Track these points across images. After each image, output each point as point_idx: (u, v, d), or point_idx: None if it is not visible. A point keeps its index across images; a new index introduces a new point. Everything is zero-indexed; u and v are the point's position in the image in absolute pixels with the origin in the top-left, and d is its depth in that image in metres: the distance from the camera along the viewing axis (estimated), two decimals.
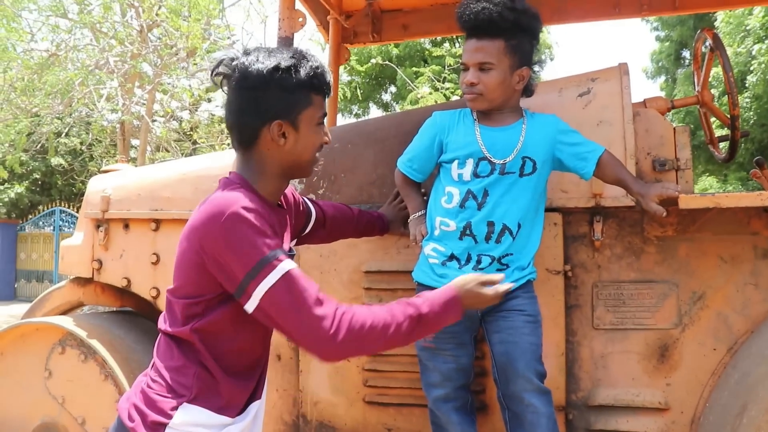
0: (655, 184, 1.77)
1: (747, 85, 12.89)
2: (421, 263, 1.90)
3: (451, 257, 1.81)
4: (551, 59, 15.55)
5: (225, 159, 2.56)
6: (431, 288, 1.83)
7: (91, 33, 9.05)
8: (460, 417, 1.83)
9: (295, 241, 1.84)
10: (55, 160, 14.60)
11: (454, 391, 1.83)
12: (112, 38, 9.12)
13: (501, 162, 1.78)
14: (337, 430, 2.23)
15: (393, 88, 17.84)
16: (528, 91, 1.88)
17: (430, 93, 10.43)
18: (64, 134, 12.30)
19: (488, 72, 1.77)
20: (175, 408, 1.30)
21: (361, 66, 14.00)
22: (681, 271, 1.98)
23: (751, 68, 12.54)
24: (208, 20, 9.01)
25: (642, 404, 1.96)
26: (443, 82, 11.24)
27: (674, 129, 2.02)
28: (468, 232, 1.78)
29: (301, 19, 2.48)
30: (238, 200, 1.29)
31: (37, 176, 16.75)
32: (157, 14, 8.57)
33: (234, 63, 1.40)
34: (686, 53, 18.86)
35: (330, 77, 1.49)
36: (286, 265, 1.27)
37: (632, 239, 2.02)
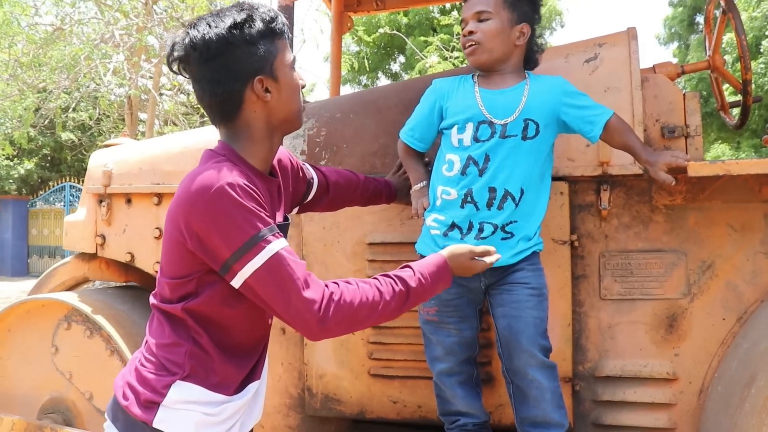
0: (664, 152, 1.72)
1: (762, 50, 12.62)
2: (424, 235, 1.87)
3: (453, 226, 1.77)
4: (561, 26, 15.24)
5: None
6: None
7: (95, 6, 8.95)
8: (464, 390, 1.82)
9: (296, 209, 1.80)
10: (64, 136, 14.61)
11: (458, 365, 1.81)
12: (116, 11, 9.03)
13: (502, 123, 1.73)
14: (343, 402, 2.22)
15: (402, 58, 17.65)
16: (532, 60, 1.83)
17: (439, 62, 10.28)
18: (71, 109, 12.27)
19: (486, 22, 1.75)
20: (168, 386, 1.27)
21: (369, 36, 13.81)
22: (690, 240, 1.94)
23: (766, 33, 12.25)
24: None
25: (650, 375, 1.94)
26: (452, 51, 11.06)
27: (684, 95, 1.96)
28: (469, 199, 1.74)
29: None
30: (224, 175, 1.24)
31: (47, 152, 16.81)
32: None
33: (187, 40, 1.32)
34: (700, 18, 18.43)
35: (283, 18, 1.43)
36: (274, 245, 1.23)
37: (640, 208, 1.98)
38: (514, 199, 1.73)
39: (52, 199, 15.55)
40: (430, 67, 10.31)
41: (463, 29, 1.80)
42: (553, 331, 1.97)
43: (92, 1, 8.65)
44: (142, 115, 12.96)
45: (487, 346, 2.02)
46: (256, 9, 1.36)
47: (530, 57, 1.83)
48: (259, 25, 1.34)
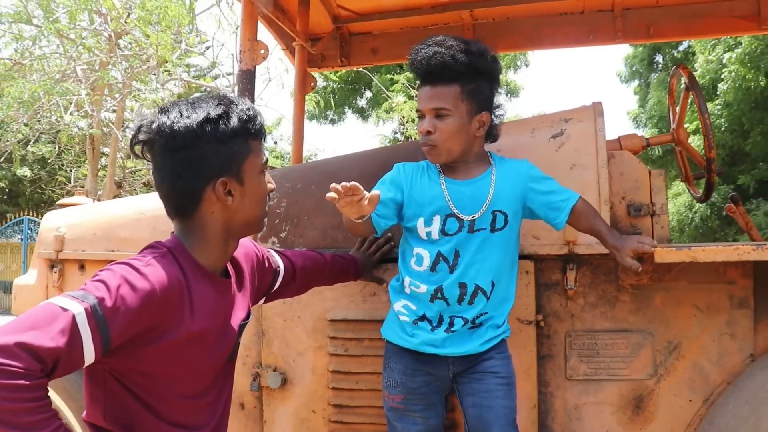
0: (631, 237, 1.70)
1: (718, 92, 13.02)
2: (390, 320, 1.80)
3: (423, 318, 1.72)
4: (526, 65, 15.55)
5: None
6: (401, 348, 1.75)
7: (57, 40, 8.81)
8: None
9: (263, 300, 1.72)
10: (22, 171, 14.24)
11: None
12: (79, 46, 8.89)
13: (469, 219, 1.69)
14: None
15: (369, 94, 17.75)
16: (491, 136, 1.79)
17: (405, 102, 10.34)
18: (30, 143, 11.98)
19: (444, 119, 1.67)
20: None
21: (334, 73, 13.89)
22: (656, 320, 1.92)
23: (722, 76, 12.66)
24: (178, 29, 8.83)
25: None
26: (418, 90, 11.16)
27: (650, 172, 1.96)
28: (439, 295, 1.69)
29: (263, 51, 2.37)
30: (150, 262, 1.19)
31: (4, 185, 16.36)
32: (126, 22, 8.35)
33: (155, 125, 1.26)
34: (659, 57, 19.03)
35: (262, 119, 1.36)
36: (77, 309, 1.05)
37: (606, 287, 1.95)
38: (485, 293, 1.69)
39: (9, 232, 15.10)
40: (396, 105, 10.37)
41: (418, 122, 1.73)
42: (518, 413, 1.91)
43: (54, 35, 8.48)
44: (105, 149, 12.74)
45: (453, 427, 1.96)
46: (235, 105, 1.30)
47: (490, 136, 1.79)
48: (234, 122, 1.27)
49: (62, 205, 2.76)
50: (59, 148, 11.97)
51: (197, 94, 1.41)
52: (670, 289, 1.91)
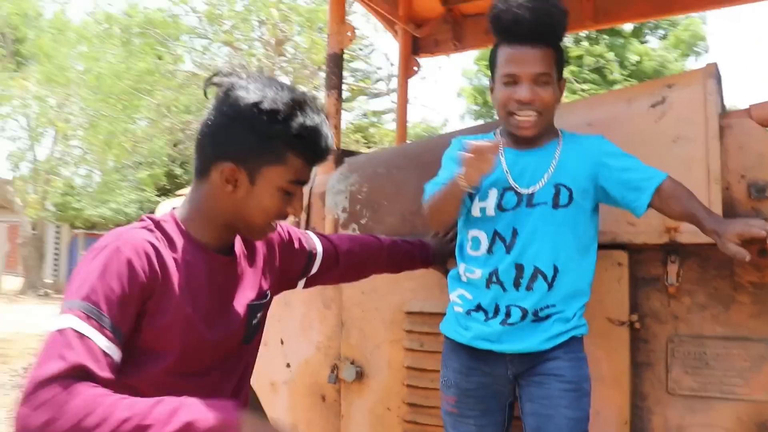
0: (736, 220, 1.38)
1: None
2: (448, 313, 1.64)
3: (478, 308, 1.54)
4: (705, 51, 13.96)
5: None
6: (456, 343, 1.58)
7: (226, 49, 9.60)
8: None
9: (303, 282, 1.63)
10: None
11: None
12: (244, 55, 9.58)
13: (529, 191, 1.48)
14: None
15: None
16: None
17: (566, 96, 9.83)
18: None
19: (545, 86, 1.47)
20: None
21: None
22: None
23: None
24: None
25: None
26: (582, 83, 10.55)
27: None
28: (495, 279, 1.50)
29: (349, 33, 2.31)
30: (120, 239, 1.14)
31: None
32: (282, 31, 8.86)
33: (224, 79, 1.23)
34: None
35: (328, 143, 1.24)
36: (70, 321, 1.03)
37: (719, 285, 1.61)
38: (545, 278, 1.47)
39: None
40: None
41: (507, 87, 1.49)
42: (606, 428, 1.66)
43: (222, 43, 9.23)
44: None
45: None
46: (302, 111, 1.20)
47: None
48: (281, 126, 1.18)
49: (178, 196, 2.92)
50: None
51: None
52: None
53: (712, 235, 1.38)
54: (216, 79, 1.25)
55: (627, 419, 1.65)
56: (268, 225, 1.30)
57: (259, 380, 2.31)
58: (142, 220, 1.26)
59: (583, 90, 10.33)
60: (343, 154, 2.34)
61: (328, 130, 1.26)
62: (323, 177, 2.28)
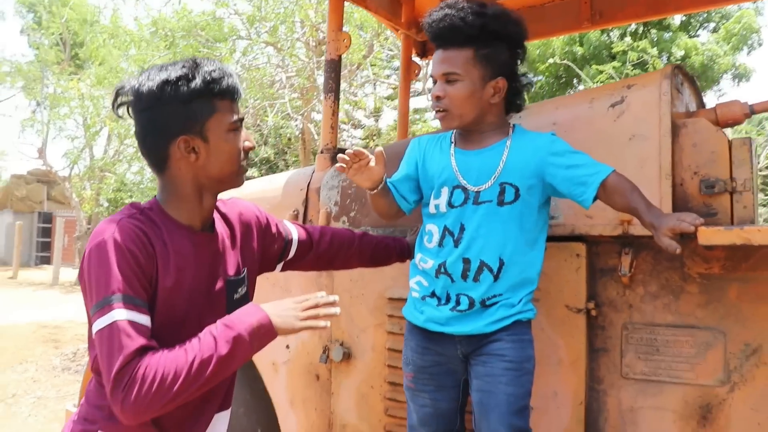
0: (671, 215, 1.46)
1: None
2: (408, 296, 1.78)
3: (432, 294, 1.67)
4: (759, 44, 13.47)
5: (278, 181, 2.63)
6: (413, 325, 1.72)
7: (268, 50, 9.86)
8: None
9: (281, 266, 1.77)
10: (250, 172, 16.17)
11: None
12: (286, 55, 9.82)
13: (475, 190, 1.60)
14: None
15: (581, 87, 16.95)
16: (515, 105, 1.67)
17: None
18: (260, 147, 13.54)
19: (454, 84, 1.61)
20: None
21: (541, 64, 13.49)
22: (730, 317, 1.62)
23: None
24: (375, 32, 9.34)
25: None
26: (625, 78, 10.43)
27: (730, 142, 1.65)
28: (443, 270, 1.63)
29: (345, 41, 2.45)
30: (113, 230, 1.27)
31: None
32: (322, 32, 9.05)
33: (127, 88, 1.37)
34: None
35: (232, 80, 1.39)
36: (116, 314, 1.22)
37: (670, 276, 1.70)
38: (491, 270, 1.59)
39: None
40: None
41: (432, 89, 1.68)
42: (561, 409, 1.77)
43: (264, 43, 9.48)
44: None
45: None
46: (200, 67, 1.36)
47: (512, 105, 1.67)
48: (197, 83, 1.33)
49: None
50: (278, 148, 13.34)
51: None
52: (749, 280, 1.60)
53: (649, 228, 1.47)
54: (120, 97, 1.39)
55: (582, 400, 1.75)
56: (240, 167, 1.44)
57: (262, 360, 2.50)
58: (127, 208, 1.41)
59: None
60: (338, 151, 2.49)
61: (226, 68, 1.40)
62: (320, 174, 2.44)
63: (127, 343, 1.20)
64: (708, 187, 1.65)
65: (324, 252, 1.83)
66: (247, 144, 1.45)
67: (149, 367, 1.18)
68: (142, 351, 1.21)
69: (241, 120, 1.44)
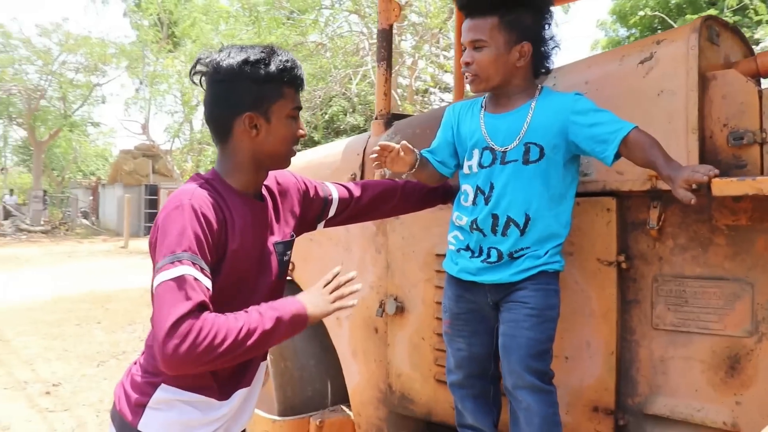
0: (686, 167, 1.50)
1: None
2: (448, 249, 1.90)
3: (467, 248, 1.80)
4: None
5: (338, 147, 2.80)
6: (450, 275, 1.85)
7: (352, 18, 10.01)
8: (474, 405, 1.82)
9: (322, 224, 1.90)
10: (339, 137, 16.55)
11: (467, 379, 1.82)
12: (371, 21, 9.92)
13: (502, 150, 1.70)
14: (414, 402, 2.34)
15: None
16: (543, 68, 1.74)
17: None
18: (348, 114, 13.82)
19: (481, 50, 1.71)
20: (154, 386, 1.43)
21: (628, 20, 12.82)
22: (757, 268, 1.62)
23: None
24: None
25: (703, 422, 1.69)
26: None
27: (760, 93, 1.64)
28: (475, 226, 1.75)
29: (395, 10, 2.55)
30: (189, 196, 1.42)
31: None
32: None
33: (208, 60, 1.53)
34: None
35: (300, 71, 1.54)
36: (185, 269, 1.31)
37: (698, 228, 1.72)
38: (517, 225, 1.69)
39: None
40: None
41: (463, 56, 1.78)
42: (593, 359, 1.85)
43: (348, 11, 9.64)
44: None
45: None
46: (276, 55, 1.51)
47: (539, 68, 1.74)
48: (271, 68, 1.49)
49: None
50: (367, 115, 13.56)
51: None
52: None
53: (667, 181, 1.52)
54: (199, 67, 1.55)
55: (613, 350, 1.82)
56: (291, 150, 1.60)
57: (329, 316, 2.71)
58: (194, 178, 1.57)
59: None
60: (393, 118, 2.61)
61: (297, 60, 1.55)
62: (375, 139, 2.58)
63: (193, 296, 1.29)
64: (736, 139, 1.65)
65: (365, 206, 1.94)
66: (301, 132, 1.60)
67: (206, 322, 1.28)
68: (202, 307, 1.30)
69: (300, 109, 1.59)
